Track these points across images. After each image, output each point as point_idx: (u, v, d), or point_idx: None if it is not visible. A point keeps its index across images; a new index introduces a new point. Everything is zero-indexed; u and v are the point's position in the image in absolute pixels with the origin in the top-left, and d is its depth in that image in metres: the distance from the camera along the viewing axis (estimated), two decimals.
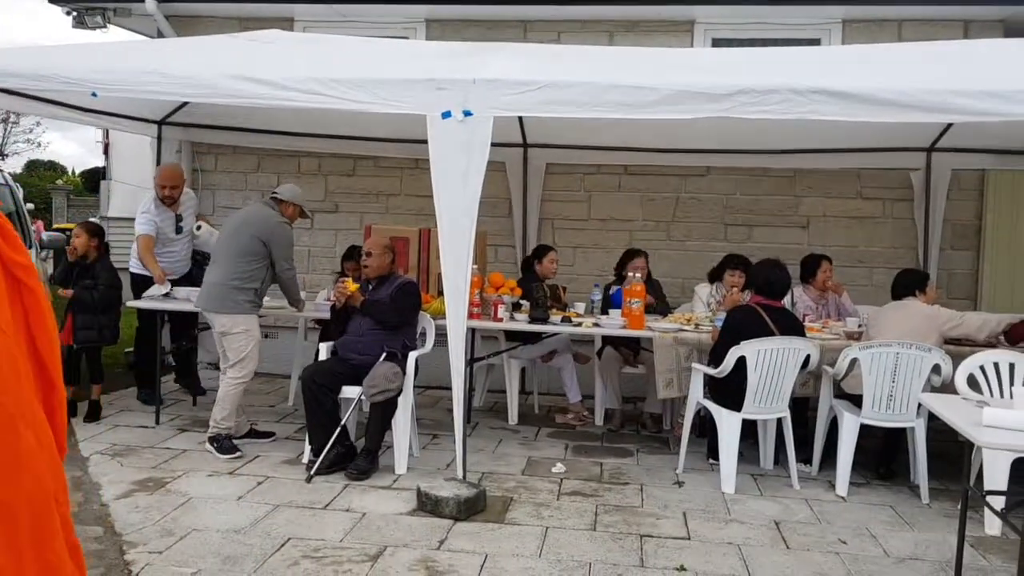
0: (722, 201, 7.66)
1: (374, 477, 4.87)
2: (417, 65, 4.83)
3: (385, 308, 5.11)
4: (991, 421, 3.17)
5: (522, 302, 6.08)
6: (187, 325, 6.72)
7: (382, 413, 4.93)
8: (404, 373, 5.00)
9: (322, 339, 6.08)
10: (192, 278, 6.55)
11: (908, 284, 5.28)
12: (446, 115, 4.55)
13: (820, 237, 7.41)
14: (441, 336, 4.92)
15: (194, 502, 4.40)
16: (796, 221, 7.53)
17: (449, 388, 4.63)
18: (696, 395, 5.22)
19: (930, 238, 7.08)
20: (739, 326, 5.03)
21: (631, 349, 6.48)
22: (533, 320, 5.77)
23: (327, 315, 5.60)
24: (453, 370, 4.58)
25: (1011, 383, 4.61)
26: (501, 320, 5.75)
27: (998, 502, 4.00)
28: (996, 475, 4.25)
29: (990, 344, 5.07)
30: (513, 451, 5.60)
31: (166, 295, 6.06)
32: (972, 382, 4.66)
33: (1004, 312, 5.57)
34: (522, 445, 5.77)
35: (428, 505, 4.34)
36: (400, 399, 4.96)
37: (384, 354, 5.03)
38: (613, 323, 5.71)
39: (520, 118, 6.71)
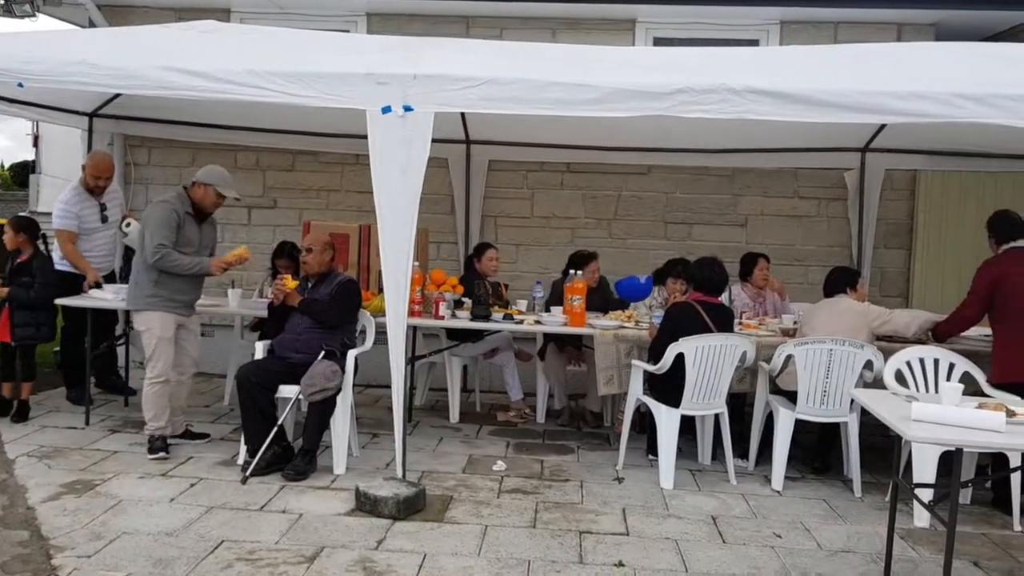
0: (663, 199, 7.72)
1: (312, 477, 4.80)
2: (357, 59, 4.76)
3: (324, 307, 5.03)
4: (919, 415, 3.25)
5: (464, 299, 6.05)
6: (108, 325, 6.54)
7: (320, 412, 4.86)
8: (343, 372, 4.93)
9: (260, 338, 5.96)
10: (114, 275, 6.39)
11: (840, 281, 5.38)
12: (386, 110, 4.51)
13: (758, 235, 7.54)
14: (382, 334, 4.87)
15: (124, 505, 4.28)
16: (735, 219, 7.64)
17: (390, 386, 4.58)
18: (636, 392, 5.26)
19: (864, 237, 7.24)
20: (678, 323, 5.07)
21: (575, 347, 6.49)
22: (475, 318, 5.75)
23: (264, 313, 5.49)
24: (393, 368, 4.53)
25: (936, 378, 4.73)
26: (443, 318, 5.71)
27: (927, 494, 4.10)
28: (925, 468, 4.36)
29: (919, 340, 5.20)
30: (454, 449, 5.57)
31: (96, 287, 5.89)
32: (900, 377, 4.78)
33: (933, 309, 5.72)
34: (463, 443, 5.75)
35: (367, 505, 4.29)
36: (339, 398, 4.90)
37: (322, 352, 4.96)
38: (554, 320, 5.72)
39: (463, 114, 6.67)
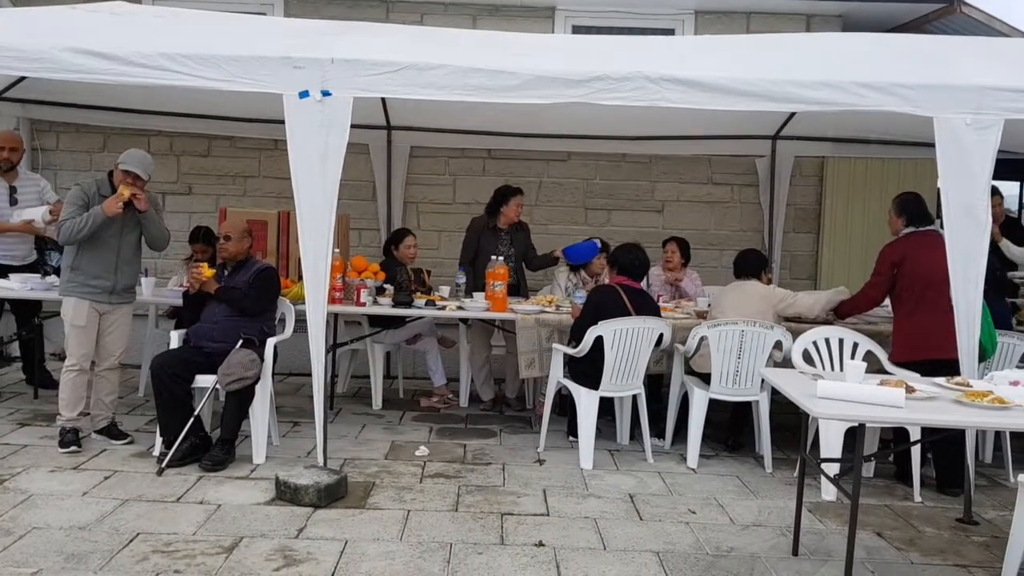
0: (583, 186, 7.83)
1: (230, 468, 4.74)
2: (273, 43, 4.68)
3: (242, 295, 4.96)
4: (824, 393, 3.39)
5: (386, 286, 6.04)
6: (28, 315, 6.33)
7: (238, 402, 4.80)
8: (262, 360, 4.87)
9: (175, 327, 5.84)
10: (36, 266, 6.17)
11: (755, 265, 5.55)
12: (303, 95, 4.45)
13: (674, 220, 7.71)
14: (302, 321, 4.82)
15: (35, 499, 4.16)
16: (652, 205, 7.79)
17: (311, 374, 4.55)
18: (556, 375, 5.34)
19: (775, 221, 7.50)
20: (600, 305, 5.18)
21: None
22: (397, 304, 5.74)
23: (179, 301, 5.38)
24: (313, 355, 4.50)
25: (841, 357, 4.93)
26: (364, 304, 5.69)
27: (832, 469, 4.29)
28: (831, 444, 4.55)
29: (825, 321, 5.40)
30: (376, 436, 5.57)
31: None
32: (807, 357, 4.98)
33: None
34: (386, 430, 5.75)
35: (287, 494, 4.26)
36: (258, 387, 4.84)
37: (240, 341, 4.89)
38: (476, 306, 5.76)
39: (383, 100, 6.62)
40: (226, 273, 5.12)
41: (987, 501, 4.69)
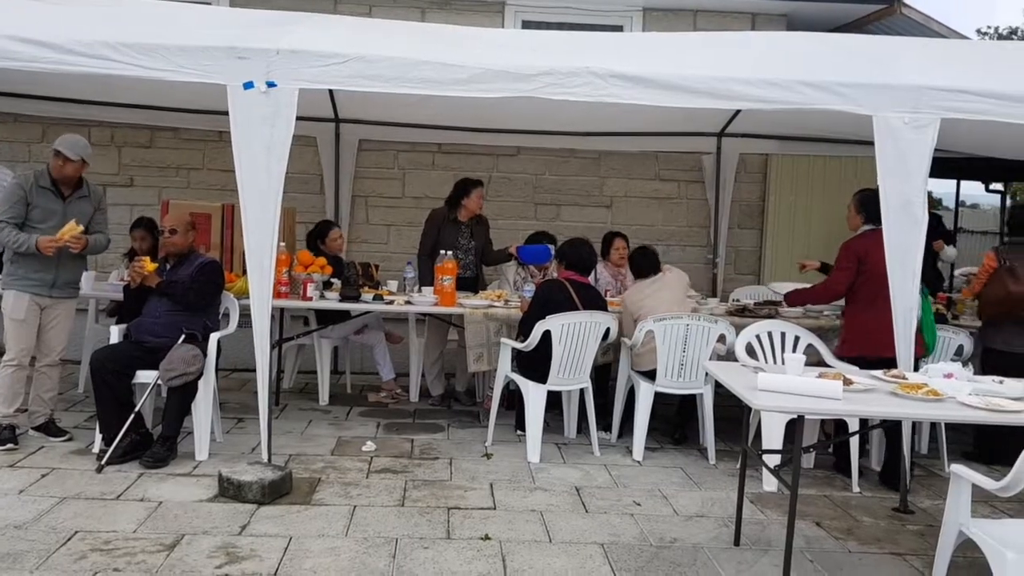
0: (532, 181, 7.86)
1: (172, 464, 4.66)
2: (218, 33, 4.60)
3: (184, 289, 4.87)
4: (765, 385, 3.44)
5: (333, 280, 5.99)
6: None
7: (181, 397, 4.71)
8: (205, 355, 4.80)
9: (116, 322, 5.71)
10: None
11: (656, 262, 5.62)
12: (248, 86, 4.38)
13: (623, 216, 7.78)
14: (246, 316, 4.75)
15: None
16: (601, 201, 7.85)
17: (256, 370, 4.49)
18: (504, 369, 5.35)
19: (720, 217, 7.62)
20: (547, 299, 5.20)
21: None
22: (344, 299, 5.70)
23: (120, 296, 5.27)
24: (257, 351, 4.44)
25: (784, 350, 5.03)
26: (310, 299, 5.63)
27: (773, 460, 4.38)
28: (772, 436, 4.64)
29: (768, 315, 5.50)
30: (323, 432, 5.53)
31: None
32: (750, 350, 5.06)
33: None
34: (332, 425, 5.71)
35: (230, 490, 4.21)
36: (201, 382, 4.76)
37: (183, 336, 4.81)
38: (425, 300, 5.74)
39: (331, 92, 6.55)
40: (168, 267, 5.03)
41: (923, 491, 4.82)
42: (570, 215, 7.80)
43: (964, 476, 3.04)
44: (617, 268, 6.61)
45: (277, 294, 5.21)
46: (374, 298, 5.70)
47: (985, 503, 4.50)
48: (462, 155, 7.70)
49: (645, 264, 5.62)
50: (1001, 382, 3.68)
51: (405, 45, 4.73)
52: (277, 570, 3.43)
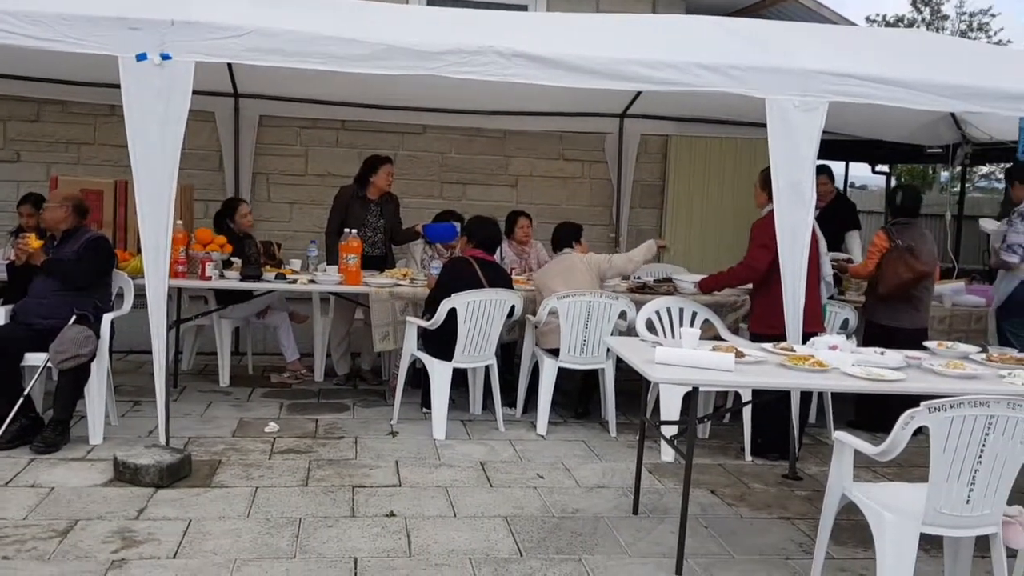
0: (438, 159, 7.85)
1: (65, 449, 4.51)
2: (110, 2, 4.42)
3: (70, 267, 4.69)
4: (662, 359, 3.55)
5: (233, 259, 5.86)
6: None
7: (73, 380, 4.55)
8: (97, 337, 4.64)
9: (2, 303, 5.46)
10: None
11: (567, 236, 5.73)
12: (141, 58, 4.23)
13: (528, 195, 7.85)
14: (142, 296, 4.62)
15: None
16: (506, 180, 7.91)
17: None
18: (410, 347, 5.35)
19: (622, 197, 7.78)
20: (453, 277, 5.23)
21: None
22: (245, 278, 5.59)
23: (4, 275, 5.04)
24: (153, 332, 4.32)
25: (682, 325, 5.19)
26: (209, 278, 5.50)
27: (671, 431, 4.52)
28: (670, 408, 4.79)
29: (667, 292, 5.65)
30: (224, 413, 5.43)
31: None
32: (650, 325, 5.20)
33: (681, 263, 6.20)
34: (233, 407, 5.61)
35: (126, 474, 4.10)
36: (94, 365, 4.61)
37: (73, 317, 4.64)
38: (329, 279, 5.68)
39: (230, 65, 6.37)
40: (55, 244, 4.83)
41: (810, 458, 5.06)
42: (476, 194, 7.83)
43: (846, 442, 3.21)
44: (521, 246, 6.68)
45: (174, 273, 5.06)
46: (276, 277, 5.61)
47: (868, 468, 4.76)
48: (367, 132, 7.61)
49: (563, 237, 5.73)
50: (882, 353, 3.89)
51: (307, 19, 4.63)
52: (176, 553, 3.38)
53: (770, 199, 5.01)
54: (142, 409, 5.37)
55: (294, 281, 5.64)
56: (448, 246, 6.40)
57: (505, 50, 4.49)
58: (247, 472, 4.35)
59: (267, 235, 6.90)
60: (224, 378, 6.17)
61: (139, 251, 4.72)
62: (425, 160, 7.78)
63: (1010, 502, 2.94)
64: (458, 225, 6.21)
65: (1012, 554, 3.07)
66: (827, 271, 5.25)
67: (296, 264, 6.12)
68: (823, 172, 7.10)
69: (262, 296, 6.23)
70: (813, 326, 4.73)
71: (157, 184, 4.27)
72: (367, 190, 6.34)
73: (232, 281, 5.55)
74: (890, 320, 5.43)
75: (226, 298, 6.13)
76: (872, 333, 5.48)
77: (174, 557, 3.34)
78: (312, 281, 5.67)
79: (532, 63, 4.51)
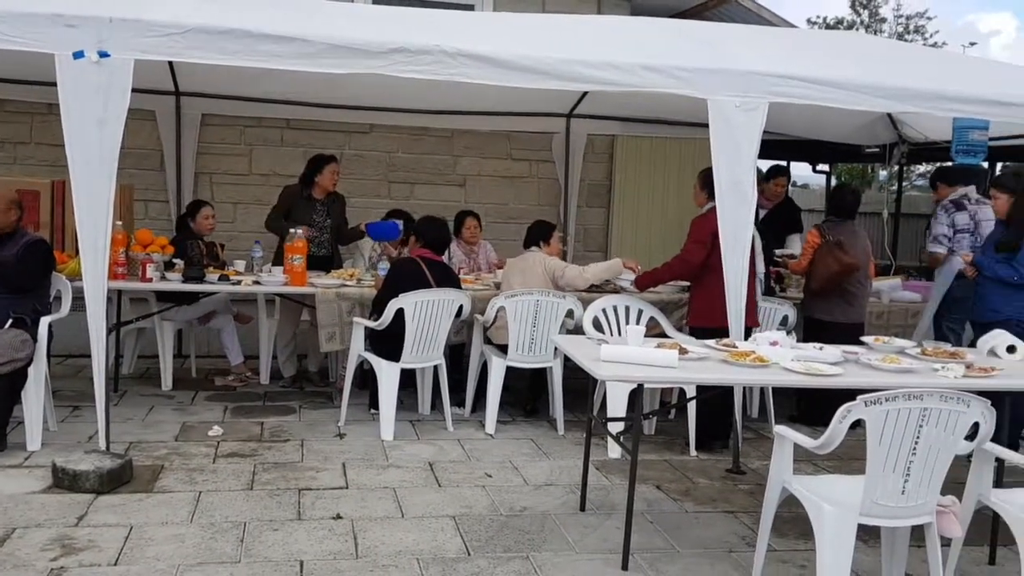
0: (385, 159, 7.81)
1: (1, 456, 4.40)
2: None
3: (8, 270, 4.56)
4: (607, 356, 3.59)
5: (176, 261, 5.76)
6: None
7: (9, 386, 4.43)
8: (34, 341, 4.53)
9: None
10: None
11: (534, 236, 5.76)
12: (78, 55, 4.15)
13: (476, 195, 7.86)
14: (81, 299, 4.52)
15: None
16: (454, 180, 7.90)
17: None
18: (357, 348, 5.32)
19: (569, 197, 7.83)
20: (401, 277, 5.21)
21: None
22: (187, 279, 5.49)
23: None
24: (92, 335, 4.24)
25: (628, 323, 5.24)
26: (150, 280, 5.40)
27: (617, 428, 4.57)
28: (617, 404, 4.84)
29: (614, 290, 5.71)
30: (166, 418, 5.33)
31: None
32: (597, 324, 5.25)
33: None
34: (176, 411, 5.51)
35: (65, 481, 4.01)
36: (31, 369, 4.49)
37: (10, 320, 4.52)
38: (274, 280, 5.62)
39: (171, 63, 6.27)
40: None
41: (753, 452, 5.16)
42: (424, 193, 7.81)
43: (786, 436, 3.28)
44: (470, 246, 6.69)
45: (113, 275, 4.99)
46: (220, 278, 5.53)
47: (809, 462, 4.86)
48: (312, 131, 7.54)
49: (528, 236, 5.77)
50: (821, 348, 3.98)
51: (250, 16, 4.57)
52: (117, 560, 3.31)
53: (709, 198, 5.12)
54: (82, 414, 5.25)
55: (238, 282, 5.56)
56: (393, 245, 6.36)
57: (451, 49, 4.49)
58: (190, 477, 4.28)
59: (210, 236, 6.79)
60: (166, 381, 6.06)
61: (77, 253, 4.61)
62: (372, 159, 7.74)
63: (943, 492, 3.03)
64: (401, 224, 6.19)
65: (946, 543, 3.16)
66: (760, 268, 5.35)
67: (240, 265, 6.03)
68: (782, 173, 7.25)
69: (206, 299, 6.14)
70: (749, 320, 4.83)
71: (95, 184, 4.20)
72: (312, 189, 6.28)
73: (174, 283, 5.46)
74: (824, 314, 5.58)
75: (168, 300, 6.02)
76: (809, 328, 5.62)
77: (115, 564, 3.28)
78: (257, 282, 5.60)
79: (478, 63, 4.52)
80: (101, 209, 4.21)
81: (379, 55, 4.44)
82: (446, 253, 5.99)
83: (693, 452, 5.09)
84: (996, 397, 3.28)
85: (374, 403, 5.46)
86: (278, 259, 6.05)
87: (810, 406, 5.65)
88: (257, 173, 7.54)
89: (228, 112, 7.29)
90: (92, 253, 4.23)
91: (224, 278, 5.55)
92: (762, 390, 5.84)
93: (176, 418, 5.34)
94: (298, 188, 6.31)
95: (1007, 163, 10.15)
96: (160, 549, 3.43)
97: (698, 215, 5.24)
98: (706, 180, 5.23)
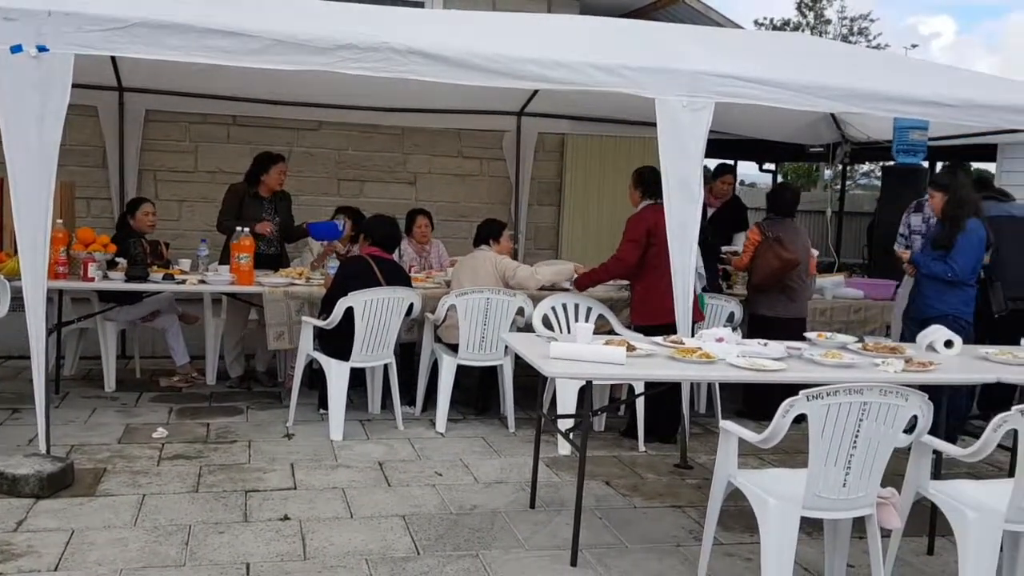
0: (335, 156, 7.74)
1: None
2: None
3: None
4: (556, 354, 3.61)
5: (119, 260, 5.65)
6: None
7: None
8: None
9: None
10: None
11: (483, 234, 5.77)
12: (16, 50, 4.03)
13: (426, 193, 7.83)
14: (20, 299, 4.40)
15: None
16: (405, 177, 7.87)
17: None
18: (306, 347, 5.27)
19: (520, 195, 7.85)
20: (350, 275, 5.17)
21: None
22: (131, 279, 5.39)
23: None
24: (31, 336, 4.14)
25: (577, 320, 5.27)
26: (92, 279, 5.28)
27: (567, 425, 4.59)
28: (567, 401, 4.86)
29: (563, 288, 5.73)
30: (109, 420, 5.22)
31: None
32: (547, 322, 5.27)
33: (578, 260, 6.29)
34: (120, 413, 5.40)
35: (4, 485, 3.90)
36: None
37: None
38: (220, 279, 5.53)
39: (114, 58, 6.14)
40: None
41: (700, 447, 5.22)
42: (374, 191, 7.76)
43: (731, 431, 3.33)
44: (421, 244, 6.66)
45: (54, 275, 4.87)
46: (164, 277, 5.43)
47: (755, 456, 4.94)
48: (260, 128, 7.44)
49: (481, 233, 5.77)
50: (765, 344, 4.05)
51: (195, 10, 4.48)
52: (58, 565, 3.24)
53: (643, 197, 5.21)
54: (21, 417, 5.12)
55: (183, 282, 5.47)
56: (342, 242, 6.30)
57: (400, 47, 4.46)
58: (134, 479, 4.20)
59: (155, 234, 6.67)
60: (110, 383, 5.93)
61: (16, 251, 4.50)
62: (321, 157, 7.67)
63: (883, 485, 3.11)
64: (342, 223, 6.14)
65: (886, 534, 3.24)
66: (699, 263, 5.40)
67: (185, 264, 5.93)
68: (729, 172, 7.37)
69: (151, 298, 6.02)
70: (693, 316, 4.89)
71: (34, 181, 4.09)
72: (258, 188, 6.21)
73: (117, 282, 5.35)
74: (767, 310, 5.69)
75: (111, 299, 5.89)
76: (754, 324, 5.71)
77: (55, 570, 3.21)
78: (203, 281, 5.52)
79: (428, 60, 4.50)
80: (40, 207, 4.10)
81: (327, 51, 4.40)
82: (396, 251, 5.96)
83: (642, 448, 5.14)
84: (934, 391, 3.38)
85: (323, 403, 5.40)
86: (224, 258, 5.95)
87: (756, 401, 5.74)
88: (203, 170, 7.42)
89: (173, 108, 7.16)
90: (31, 252, 4.12)
91: (169, 277, 5.45)
92: (709, 386, 5.92)
93: (119, 420, 5.23)
94: (244, 186, 6.23)
95: (947, 162, 10.45)
96: (102, 553, 3.36)
97: (632, 214, 5.30)
98: (638, 179, 5.34)
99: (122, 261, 5.62)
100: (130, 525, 3.65)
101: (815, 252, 6.26)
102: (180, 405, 5.65)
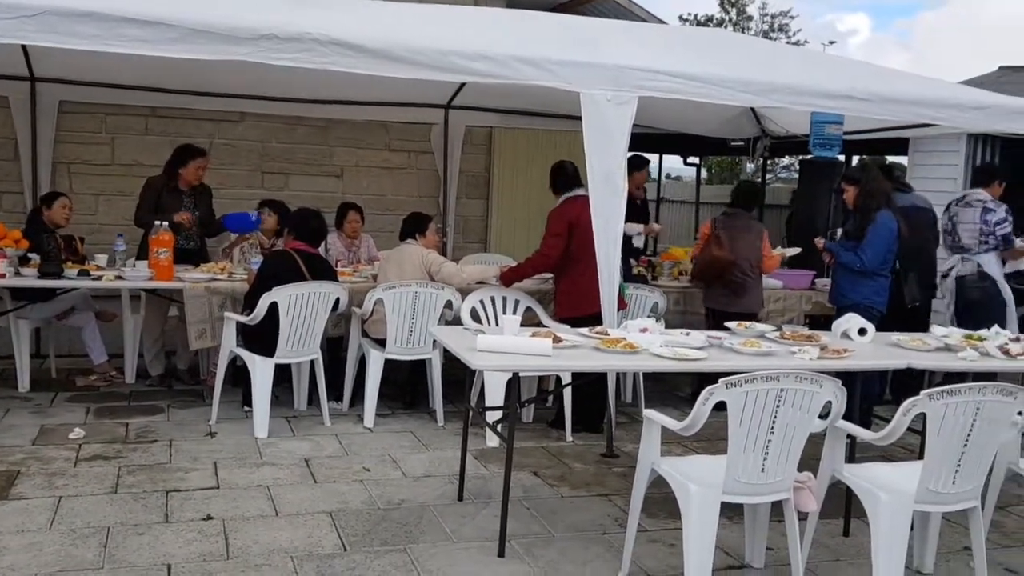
0: (258, 149, 7.62)
1: None
2: None
3: None
4: (483, 346, 3.62)
5: (30, 256, 5.45)
6: None
7: None
8: None
9: None
10: None
11: (409, 228, 5.73)
12: None
13: (354, 186, 7.76)
14: None
15: None
16: (331, 170, 7.78)
17: None
18: (229, 344, 5.17)
19: (448, 188, 7.83)
20: (274, 271, 5.09)
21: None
22: (44, 275, 5.21)
23: None
24: None
25: (505, 313, 5.29)
26: (3, 276, 5.10)
27: (495, 417, 4.61)
28: (495, 394, 4.88)
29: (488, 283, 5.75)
30: (23, 421, 5.04)
31: None
32: (475, 315, 5.28)
33: (507, 253, 6.32)
34: (34, 413, 5.21)
35: None
36: None
37: None
38: (138, 275, 5.39)
39: (25, 47, 5.90)
40: None
41: (626, 436, 5.29)
42: (299, 184, 7.66)
43: (654, 419, 3.39)
44: (351, 239, 6.57)
45: None
46: (79, 274, 5.26)
47: (679, 443, 5.03)
48: (180, 120, 7.28)
49: (406, 227, 5.70)
50: (687, 334, 4.13)
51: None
52: None
53: (562, 190, 5.27)
54: None
55: (99, 278, 5.31)
56: (267, 235, 6.19)
57: (323, 37, 4.39)
58: (49, 482, 4.07)
59: (70, 228, 6.45)
60: (23, 383, 5.72)
61: None
62: (243, 149, 7.53)
63: (800, 469, 3.20)
64: (256, 214, 6.03)
65: (803, 517, 3.34)
66: None
67: (102, 259, 5.75)
68: (647, 163, 7.46)
69: (65, 295, 5.82)
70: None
71: None
72: (176, 181, 6.06)
73: (29, 279, 5.16)
74: (714, 303, 5.84)
75: (23, 297, 5.68)
76: (710, 317, 5.82)
77: None
78: (120, 277, 5.36)
79: (351, 51, 4.44)
80: None
81: (247, 41, 4.30)
82: (323, 245, 5.89)
83: (569, 438, 5.19)
84: (848, 377, 3.50)
85: (247, 400, 5.30)
86: (142, 253, 5.79)
87: (702, 387, 5.82)
88: (120, 163, 7.22)
89: (88, 99, 6.94)
90: None
91: (84, 273, 5.29)
92: (635, 375, 6.00)
93: (34, 421, 5.05)
94: (162, 179, 6.07)
95: (863, 156, 10.78)
96: (15, 558, 3.25)
97: (553, 208, 5.35)
98: (559, 172, 5.40)
99: (35, 257, 5.42)
100: (45, 528, 3.54)
101: (789, 251, 6.35)
102: (98, 405, 5.48)
